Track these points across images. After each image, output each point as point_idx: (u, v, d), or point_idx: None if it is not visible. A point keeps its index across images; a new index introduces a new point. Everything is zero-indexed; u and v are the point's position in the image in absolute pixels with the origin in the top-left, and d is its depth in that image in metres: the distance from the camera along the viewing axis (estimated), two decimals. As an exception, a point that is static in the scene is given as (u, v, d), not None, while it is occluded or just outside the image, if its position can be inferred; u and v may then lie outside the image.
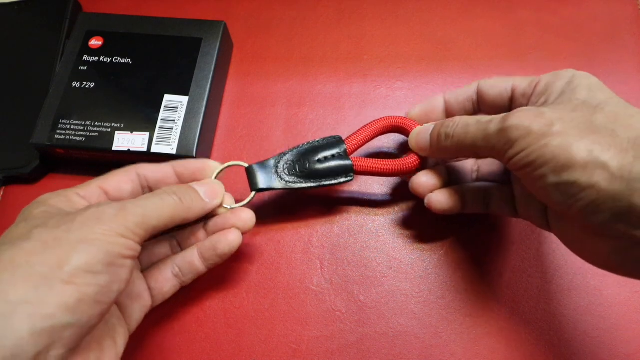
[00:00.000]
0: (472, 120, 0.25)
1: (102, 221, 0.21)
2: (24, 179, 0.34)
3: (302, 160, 0.29)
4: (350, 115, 0.36)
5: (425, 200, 0.29)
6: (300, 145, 0.30)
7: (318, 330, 0.30)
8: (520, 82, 0.26)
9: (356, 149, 0.30)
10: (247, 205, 0.28)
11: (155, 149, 0.32)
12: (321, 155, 0.29)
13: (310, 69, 0.38)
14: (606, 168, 0.20)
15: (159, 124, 0.32)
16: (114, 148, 0.32)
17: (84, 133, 0.32)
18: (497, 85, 0.27)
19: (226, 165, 0.29)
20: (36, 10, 0.38)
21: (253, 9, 0.40)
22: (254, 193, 0.29)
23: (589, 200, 0.20)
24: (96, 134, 0.32)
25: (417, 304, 0.30)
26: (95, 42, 0.35)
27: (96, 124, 0.32)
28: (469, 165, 0.31)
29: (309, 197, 0.33)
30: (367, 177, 0.34)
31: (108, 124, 0.32)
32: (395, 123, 0.30)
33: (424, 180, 0.29)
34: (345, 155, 0.29)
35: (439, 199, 0.28)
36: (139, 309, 0.26)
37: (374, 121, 0.30)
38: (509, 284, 0.30)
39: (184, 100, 0.33)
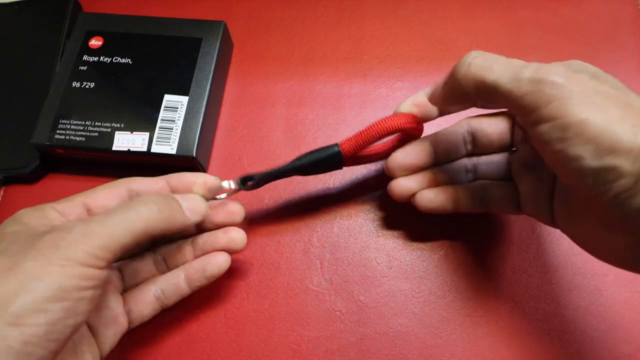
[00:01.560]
0: (499, 57, 0.22)
1: (60, 248, 0.19)
2: (24, 179, 0.34)
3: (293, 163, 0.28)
4: (350, 115, 0.36)
5: (412, 200, 0.28)
6: (296, 158, 0.28)
7: (318, 330, 0.30)
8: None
9: (352, 152, 0.28)
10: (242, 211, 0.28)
11: (155, 148, 0.32)
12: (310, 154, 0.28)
13: (310, 69, 0.38)
14: None
15: (159, 123, 0.32)
16: (114, 148, 0.32)
17: (84, 133, 0.32)
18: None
19: (229, 193, 0.28)
20: (36, 10, 0.38)
21: (253, 9, 0.40)
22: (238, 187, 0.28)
23: (624, 189, 0.18)
24: (96, 134, 0.32)
25: (417, 304, 0.30)
26: (95, 42, 0.35)
27: (96, 124, 0.32)
28: (462, 165, 0.29)
29: (309, 197, 0.33)
30: (368, 173, 0.33)
31: (108, 124, 0.32)
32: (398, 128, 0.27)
33: (403, 182, 0.28)
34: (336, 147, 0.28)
35: (427, 196, 0.27)
36: (112, 334, 0.24)
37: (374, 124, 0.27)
38: (509, 284, 0.30)
39: (184, 100, 0.33)
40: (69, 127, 0.32)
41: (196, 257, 0.28)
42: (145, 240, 0.22)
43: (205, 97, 0.33)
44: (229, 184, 0.28)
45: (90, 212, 0.24)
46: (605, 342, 0.29)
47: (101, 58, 0.34)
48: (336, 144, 0.28)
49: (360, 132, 0.27)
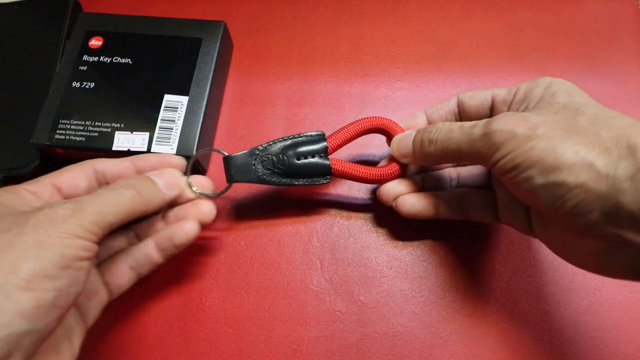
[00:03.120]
0: (455, 125, 0.25)
1: (56, 223, 0.20)
2: (23, 179, 0.34)
3: (282, 155, 0.29)
4: (350, 115, 0.36)
5: (393, 204, 0.29)
6: (282, 139, 0.29)
7: (318, 330, 0.30)
8: (499, 91, 0.27)
9: (338, 147, 0.30)
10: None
11: (155, 148, 0.32)
12: (301, 151, 0.29)
13: (310, 69, 0.38)
14: (592, 167, 0.20)
15: (159, 124, 0.32)
16: (114, 148, 0.32)
17: (84, 133, 0.32)
18: (477, 96, 0.28)
19: (200, 152, 0.29)
20: (36, 10, 0.38)
21: (253, 9, 0.40)
22: (229, 184, 0.29)
23: (577, 201, 0.20)
24: (96, 134, 0.32)
25: (417, 304, 0.30)
26: (95, 42, 0.35)
27: (96, 124, 0.32)
28: (447, 174, 0.30)
29: (309, 198, 0.33)
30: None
31: (108, 124, 0.32)
32: (379, 125, 0.30)
33: (392, 186, 0.29)
34: (325, 154, 0.29)
35: (410, 201, 0.28)
36: (96, 306, 0.25)
37: (358, 120, 0.30)
38: (509, 284, 0.30)
39: (184, 100, 0.33)
40: (69, 127, 0.32)
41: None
42: (127, 221, 0.23)
43: (205, 97, 0.33)
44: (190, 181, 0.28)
45: (60, 192, 0.25)
46: (605, 342, 0.29)
47: (101, 58, 0.34)
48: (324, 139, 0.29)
49: (342, 128, 0.30)
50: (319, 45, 0.39)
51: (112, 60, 0.34)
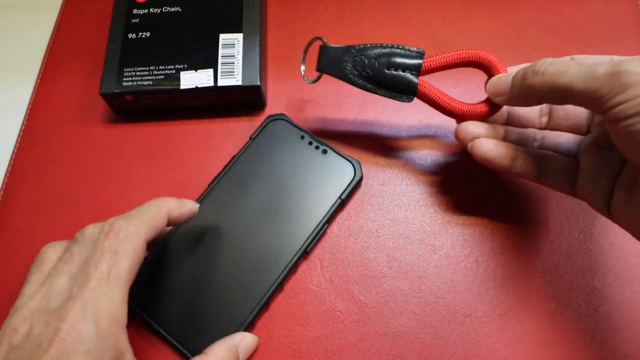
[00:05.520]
0: (570, 61, 0.23)
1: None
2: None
3: (374, 60, 0.28)
4: (350, 115, 0.36)
5: (469, 145, 0.28)
6: (381, 45, 0.29)
7: (318, 330, 0.30)
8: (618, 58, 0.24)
9: (432, 71, 0.29)
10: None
11: (221, 82, 0.34)
12: (394, 62, 0.28)
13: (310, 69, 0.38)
14: None
15: (220, 59, 0.34)
16: (182, 87, 0.34)
17: (149, 77, 0.34)
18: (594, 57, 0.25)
19: (311, 40, 0.31)
20: None
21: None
22: (320, 74, 0.31)
23: None
24: (162, 77, 0.34)
25: (417, 304, 0.30)
26: None
27: (160, 67, 0.34)
28: (531, 132, 0.29)
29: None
30: (367, 173, 0.34)
31: (172, 66, 0.34)
32: (482, 59, 0.28)
33: (470, 127, 0.28)
34: (416, 73, 0.28)
35: (487, 145, 0.27)
36: None
37: (461, 50, 0.29)
38: (509, 284, 0.30)
39: (239, 37, 0.35)
40: (134, 74, 0.34)
41: None
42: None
43: (257, 32, 0.35)
44: None
45: None
46: (605, 342, 0.29)
47: (151, 10, 0.36)
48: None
49: (442, 53, 0.29)
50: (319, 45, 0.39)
51: (162, 11, 0.36)
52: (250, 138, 0.34)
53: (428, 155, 0.34)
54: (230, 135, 0.36)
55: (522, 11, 0.39)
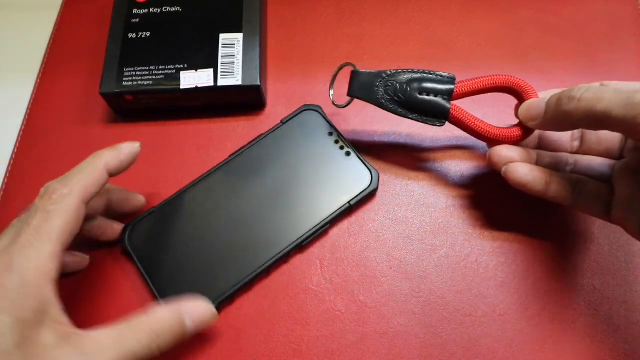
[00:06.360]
0: (606, 87, 0.23)
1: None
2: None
3: (406, 85, 0.29)
4: (350, 115, 0.36)
5: (503, 169, 0.28)
6: (412, 70, 0.29)
7: (318, 330, 0.30)
8: None
9: (463, 96, 0.29)
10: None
11: (221, 82, 0.34)
12: (426, 87, 0.29)
13: (310, 68, 0.38)
14: None
15: (220, 59, 0.34)
16: (182, 87, 0.33)
17: (150, 77, 0.34)
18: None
19: (341, 66, 0.31)
20: None
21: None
22: (351, 99, 0.31)
23: None
24: (162, 76, 0.34)
25: (417, 304, 0.30)
26: None
27: (160, 67, 0.34)
28: (564, 157, 0.29)
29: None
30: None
31: (172, 66, 0.34)
32: (513, 84, 0.28)
33: (504, 151, 0.28)
34: (448, 97, 0.29)
35: (522, 170, 0.27)
36: None
37: (492, 75, 0.29)
38: (509, 284, 0.30)
39: (239, 37, 0.35)
40: (134, 73, 0.34)
41: None
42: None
43: (257, 31, 0.35)
44: None
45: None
46: (605, 342, 0.29)
47: (151, 10, 0.36)
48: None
49: (474, 78, 0.29)
50: (319, 45, 0.39)
51: (162, 10, 0.36)
52: (281, 121, 0.34)
53: (428, 155, 0.34)
54: (230, 135, 0.36)
55: (522, 11, 0.39)
